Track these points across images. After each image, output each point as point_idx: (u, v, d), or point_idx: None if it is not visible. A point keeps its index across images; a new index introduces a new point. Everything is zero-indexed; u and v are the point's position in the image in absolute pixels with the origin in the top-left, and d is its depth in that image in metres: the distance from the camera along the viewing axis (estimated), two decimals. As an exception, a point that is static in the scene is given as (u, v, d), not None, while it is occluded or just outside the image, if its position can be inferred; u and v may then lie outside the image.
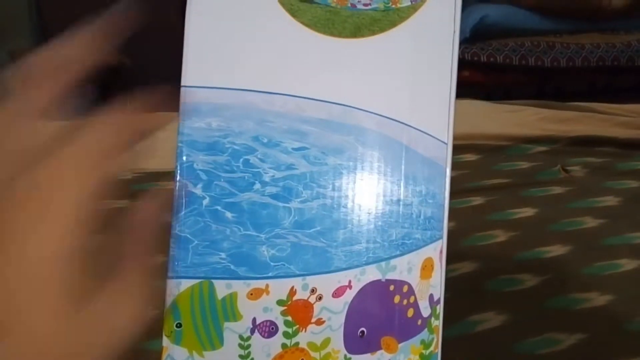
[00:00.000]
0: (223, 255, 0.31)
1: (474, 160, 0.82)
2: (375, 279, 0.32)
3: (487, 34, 1.86)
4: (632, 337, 0.51)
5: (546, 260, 0.60)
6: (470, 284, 0.56)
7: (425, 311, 0.32)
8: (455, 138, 0.92)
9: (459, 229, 0.65)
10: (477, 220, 0.67)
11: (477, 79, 1.83)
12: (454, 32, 0.32)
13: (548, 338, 0.50)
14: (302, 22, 0.32)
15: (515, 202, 0.70)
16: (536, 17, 1.92)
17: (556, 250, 0.61)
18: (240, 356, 0.31)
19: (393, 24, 0.32)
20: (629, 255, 0.61)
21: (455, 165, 0.85)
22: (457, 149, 0.89)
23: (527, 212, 0.69)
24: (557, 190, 0.74)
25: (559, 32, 1.95)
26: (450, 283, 0.57)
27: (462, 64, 1.81)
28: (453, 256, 0.60)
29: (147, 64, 1.93)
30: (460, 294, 0.54)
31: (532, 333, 0.50)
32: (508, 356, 0.49)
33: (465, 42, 1.84)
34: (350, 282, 0.32)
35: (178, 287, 0.31)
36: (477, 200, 0.71)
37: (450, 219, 0.66)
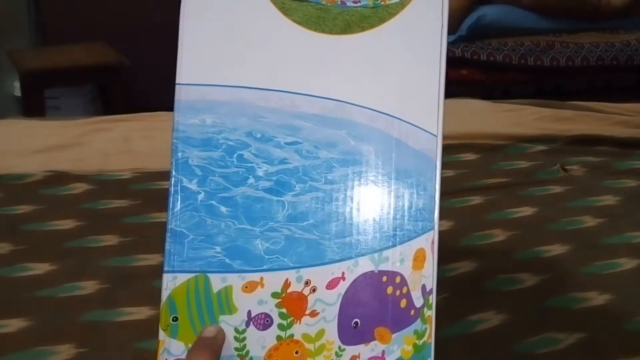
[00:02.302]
0: (218, 249, 0.31)
1: (472, 160, 0.82)
2: (368, 270, 0.32)
3: (486, 33, 1.86)
4: (631, 336, 0.51)
5: (545, 260, 0.60)
6: (470, 284, 0.56)
7: (418, 301, 0.32)
8: (454, 137, 0.92)
9: (457, 229, 0.65)
10: (476, 220, 0.67)
11: (476, 77, 1.83)
12: (442, 26, 0.33)
13: (547, 337, 0.50)
14: (294, 20, 0.33)
15: (514, 201, 0.71)
16: (535, 17, 1.92)
17: (555, 249, 0.61)
18: (235, 349, 0.31)
19: (382, 20, 0.33)
20: (628, 255, 0.61)
21: (453, 165, 0.86)
22: (456, 148, 0.89)
23: (526, 211, 0.69)
24: (556, 189, 0.74)
25: (558, 31, 1.95)
26: (450, 283, 0.57)
27: (462, 63, 1.82)
28: (452, 256, 0.60)
29: (147, 64, 1.93)
30: (460, 294, 0.54)
31: (532, 332, 0.50)
32: (507, 355, 0.49)
33: (462, 39, 1.85)
34: (343, 273, 0.32)
35: (174, 281, 0.31)
36: (476, 200, 0.71)
37: (449, 218, 0.66)
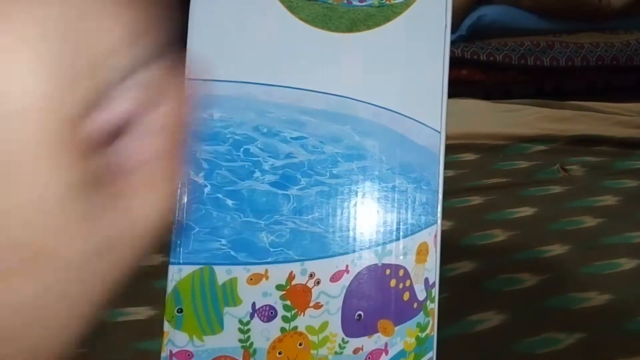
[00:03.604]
0: (223, 241, 0.32)
1: (472, 160, 0.82)
2: (371, 263, 0.32)
3: (485, 33, 1.87)
4: (632, 336, 0.51)
5: (545, 260, 0.60)
6: (470, 284, 0.56)
7: (421, 294, 0.33)
8: (453, 137, 0.92)
9: (458, 229, 0.65)
10: (476, 220, 0.67)
11: (476, 77, 1.83)
12: (446, 26, 0.33)
13: (547, 338, 0.50)
14: (300, 18, 0.33)
15: (514, 201, 0.71)
16: (535, 17, 1.93)
17: (555, 249, 0.61)
18: (239, 340, 0.32)
19: (387, 19, 0.33)
20: (628, 255, 0.61)
21: (454, 165, 0.86)
22: (456, 148, 0.89)
23: (526, 211, 0.69)
24: (556, 189, 0.74)
25: (558, 31, 1.96)
26: (450, 282, 0.57)
27: (462, 63, 1.82)
28: (452, 255, 0.60)
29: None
30: (460, 294, 0.54)
31: (532, 332, 0.50)
32: (507, 356, 0.49)
33: (462, 39, 1.85)
34: (347, 266, 0.32)
35: (179, 273, 0.32)
36: (476, 200, 0.71)
37: (449, 218, 0.66)
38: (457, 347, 0.49)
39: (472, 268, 0.58)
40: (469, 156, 0.83)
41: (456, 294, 0.53)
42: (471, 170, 0.79)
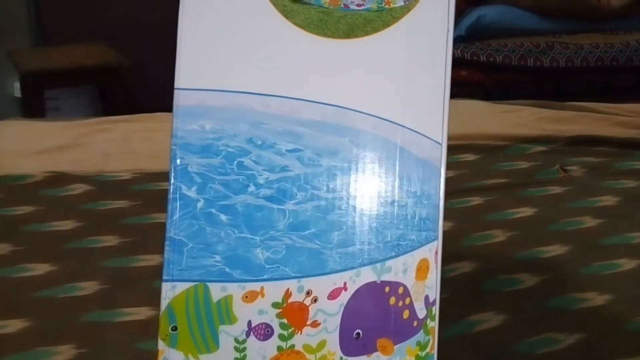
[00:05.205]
0: (218, 257, 0.31)
1: (472, 160, 0.82)
2: (370, 280, 0.31)
3: (485, 34, 1.86)
4: (631, 336, 0.51)
5: (545, 260, 0.60)
6: (469, 284, 0.56)
7: (421, 312, 0.32)
8: (453, 138, 0.92)
9: (457, 229, 0.65)
10: (476, 220, 0.67)
11: (476, 78, 1.83)
12: (448, 31, 0.32)
13: (547, 338, 0.50)
14: (295, 23, 0.32)
15: (514, 202, 0.71)
16: (535, 17, 1.93)
17: (555, 250, 0.61)
18: (235, 359, 0.31)
19: (386, 24, 0.32)
20: (627, 255, 0.61)
21: (453, 165, 0.86)
22: (456, 149, 0.89)
23: (526, 212, 0.69)
24: (556, 190, 0.74)
25: (558, 32, 1.96)
26: (449, 283, 0.57)
27: (462, 64, 1.81)
28: (452, 256, 0.60)
29: (146, 64, 1.93)
30: (459, 294, 0.54)
31: (531, 333, 0.50)
32: (507, 356, 0.49)
33: (461, 39, 1.85)
34: (345, 283, 0.31)
35: (173, 290, 0.31)
36: (476, 200, 0.71)
37: (449, 219, 0.66)
38: (457, 347, 0.49)
39: (472, 268, 0.58)
40: (469, 157, 0.83)
41: (456, 294, 0.53)
42: (471, 170, 0.79)
